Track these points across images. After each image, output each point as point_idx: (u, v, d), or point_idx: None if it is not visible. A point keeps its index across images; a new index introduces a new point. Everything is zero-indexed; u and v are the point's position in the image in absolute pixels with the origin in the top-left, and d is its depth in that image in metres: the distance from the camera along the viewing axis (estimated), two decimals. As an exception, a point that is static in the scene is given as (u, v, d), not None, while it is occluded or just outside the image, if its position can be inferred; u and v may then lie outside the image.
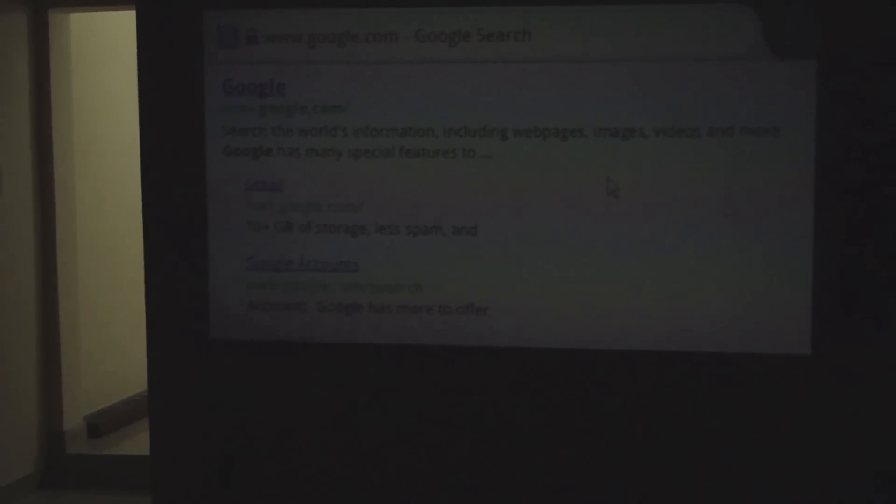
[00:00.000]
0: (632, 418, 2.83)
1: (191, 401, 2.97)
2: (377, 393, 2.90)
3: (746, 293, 2.75)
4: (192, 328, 2.94)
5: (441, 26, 2.80)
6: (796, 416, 2.77)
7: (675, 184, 2.75)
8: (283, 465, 2.95)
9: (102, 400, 5.83)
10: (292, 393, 2.93)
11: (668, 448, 2.82)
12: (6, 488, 5.05)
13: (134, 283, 3.93)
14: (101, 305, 5.83)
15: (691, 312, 2.77)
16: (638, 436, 2.83)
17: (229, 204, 2.90)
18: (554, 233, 2.79)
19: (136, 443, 5.56)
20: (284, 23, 2.85)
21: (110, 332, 5.91)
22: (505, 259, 2.81)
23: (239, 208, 2.90)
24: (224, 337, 2.94)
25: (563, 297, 2.80)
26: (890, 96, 2.68)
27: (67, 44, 5.41)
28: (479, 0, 2.78)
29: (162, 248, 2.96)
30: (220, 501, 2.96)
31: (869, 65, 2.68)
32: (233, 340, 2.94)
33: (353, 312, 2.89)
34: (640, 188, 2.76)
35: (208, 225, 2.91)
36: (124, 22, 5.41)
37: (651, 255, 2.76)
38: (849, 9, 2.67)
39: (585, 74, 2.76)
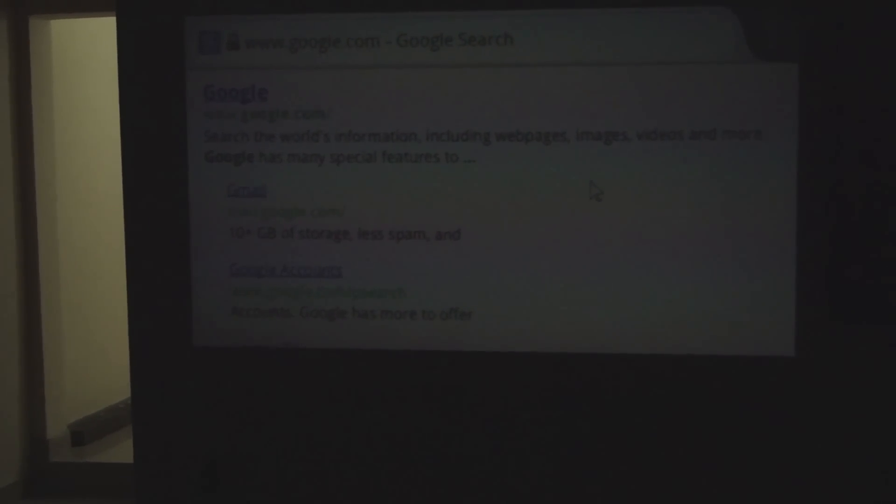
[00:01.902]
0: (617, 421, 2.83)
1: (174, 408, 2.96)
2: (361, 398, 2.90)
3: (730, 295, 2.75)
4: (175, 335, 2.93)
5: (423, 31, 2.79)
6: (780, 417, 2.78)
7: (658, 187, 2.75)
8: (268, 472, 2.94)
9: (86, 408, 5.81)
10: (276, 399, 2.93)
11: (653, 450, 2.82)
12: (-11, 497, 5.03)
13: (117, 290, 3.91)
14: (84, 312, 5.81)
15: (675, 315, 2.77)
16: (623, 439, 2.83)
17: (212, 210, 2.89)
18: (537, 237, 2.79)
19: (120, 450, 5.53)
20: (266, 28, 2.84)
21: (94, 340, 5.89)
22: (488, 263, 2.81)
23: (221, 214, 2.89)
24: (207, 344, 2.93)
25: (547, 301, 2.80)
26: (871, 98, 2.69)
27: (48, 50, 5.39)
28: (460, 5, 2.78)
29: (144, 254, 2.94)
30: (204, 509, 2.95)
31: (850, 67, 2.68)
32: (216, 347, 2.93)
33: (337, 318, 2.88)
34: (624, 192, 2.76)
35: (191, 231, 2.90)
36: (105, 28, 5.39)
37: (634, 258, 2.76)
38: (830, 12, 2.68)
39: (568, 78, 2.76)
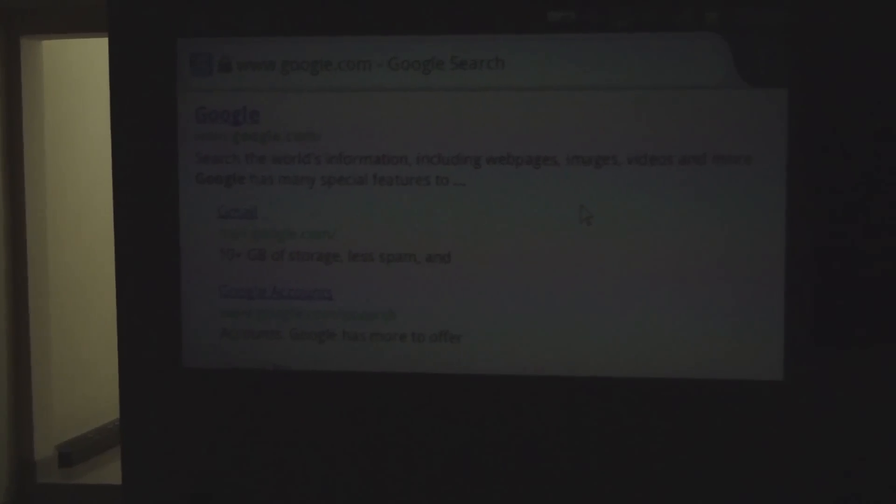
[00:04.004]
0: (606, 445, 2.83)
1: (163, 430, 2.95)
2: (350, 420, 2.89)
3: (719, 319, 2.76)
4: (164, 356, 2.93)
5: (414, 54, 2.80)
6: (768, 441, 2.78)
7: (647, 211, 2.75)
8: (257, 494, 2.93)
9: (74, 429, 5.78)
10: (265, 421, 2.92)
11: (642, 474, 2.82)
12: (-25, 518, 5.00)
13: (106, 311, 3.91)
14: (73, 333, 5.79)
15: (664, 339, 2.78)
16: (612, 463, 2.83)
17: (202, 232, 2.89)
18: (527, 260, 2.79)
19: (108, 472, 5.51)
20: (258, 50, 2.85)
21: (82, 360, 5.87)
22: (478, 287, 2.81)
23: (212, 236, 2.89)
24: (197, 365, 2.93)
25: (537, 324, 2.80)
26: (861, 124, 2.70)
27: (39, 71, 5.39)
28: (452, 28, 2.79)
29: (134, 275, 2.94)
30: (192, 531, 2.94)
31: (840, 93, 2.70)
32: (206, 368, 2.92)
33: (327, 340, 2.88)
34: (613, 216, 2.76)
35: (181, 252, 2.90)
36: (97, 49, 5.39)
37: (624, 282, 2.77)
38: (820, 38, 2.70)
39: (558, 102, 2.77)
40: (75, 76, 5.82)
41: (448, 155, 2.80)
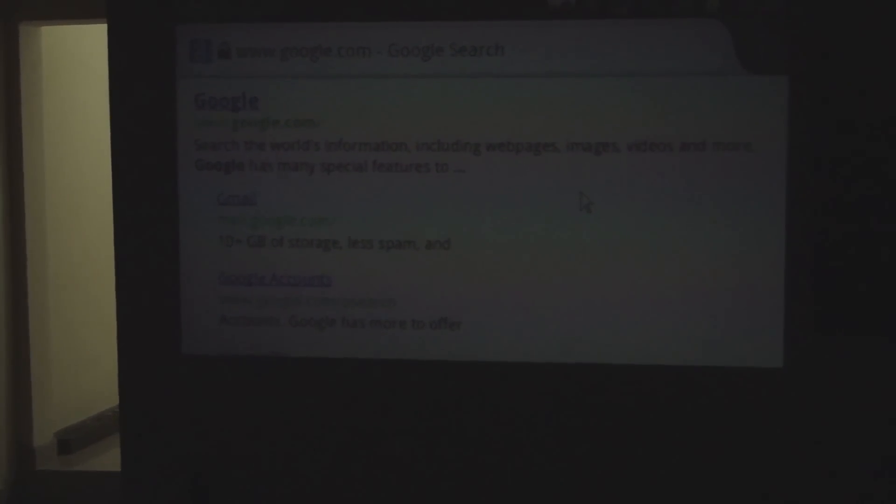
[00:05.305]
0: (606, 431, 2.83)
1: (162, 416, 2.95)
2: (349, 407, 2.89)
3: (719, 306, 2.76)
4: (163, 343, 2.93)
5: (414, 41, 2.80)
6: (768, 427, 2.78)
7: (647, 198, 2.75)
8: (256, 480, 2.93)
9: (73, 415, 5.79)
10: (264, 407, 2.92)
11: (643, 458, 2.83)
12: (-25, 505, 5.01)
13: (106, 298, 3.91)
14: (73, 320, 5.79)
15: (663, 326, 2.78)
16: (613, 448, 2.83)
17: (202, 218, 2.89)
18: (527, 247, 2.79)
19: (108, 459, 5.51)
20: (257, 37, 2.84)
21: (82, 347, 5.87)
22: (478, 273, 2.81)
23: (211, 223, 2.89)
24: (196, 352, 2.92)
25: (536, 311, 2.80)
26: (861, 111, 2.70)
27: (38, 57, 5.37)
28: (451, 15, 2.78)
29: (133, 262, 2.94)
30: (191, 518, 2.95)
31: (840, 80, 2.69)
32: (205, 355, 2.92)
33: (326, 327, 2.88)
34: (613, 203, 2.76)
35: (180, 239, 2.90)
36: (96, 35, 5.38)
37: (624, 269, 2.76)
38: (819, 26, 2.69)
39: (558, 89, 2.77)
40: (74, 62, 5.81)
41: (448, 141, 2.80)
